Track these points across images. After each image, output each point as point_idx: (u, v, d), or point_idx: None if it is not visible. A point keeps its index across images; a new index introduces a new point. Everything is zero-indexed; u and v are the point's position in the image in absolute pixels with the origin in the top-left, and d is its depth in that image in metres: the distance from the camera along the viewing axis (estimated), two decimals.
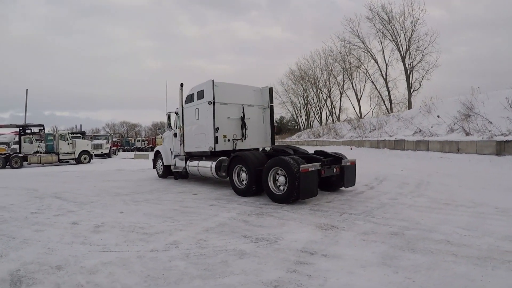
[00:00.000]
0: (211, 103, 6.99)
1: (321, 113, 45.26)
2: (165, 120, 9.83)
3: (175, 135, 9.07)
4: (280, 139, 50.46)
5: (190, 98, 7.98)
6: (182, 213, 4.77)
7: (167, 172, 9.55)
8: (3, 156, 15.99)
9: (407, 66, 28.43)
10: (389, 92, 31.16)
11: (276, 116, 67.34)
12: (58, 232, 3.80)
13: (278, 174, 5.36)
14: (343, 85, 38.02)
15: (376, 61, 31.53)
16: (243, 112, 7.64)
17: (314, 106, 46.73)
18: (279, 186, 5.35)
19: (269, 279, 2.32)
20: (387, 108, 31.38)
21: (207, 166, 7.33)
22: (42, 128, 19.94)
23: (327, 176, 5.96)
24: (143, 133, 77.80)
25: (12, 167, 15.61)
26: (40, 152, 17.67)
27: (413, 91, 28.49)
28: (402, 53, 28.45)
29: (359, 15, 34.81)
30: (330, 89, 41.21)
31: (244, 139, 7.71)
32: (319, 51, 43.51)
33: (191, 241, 3.34)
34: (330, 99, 41.83)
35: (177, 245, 3.25)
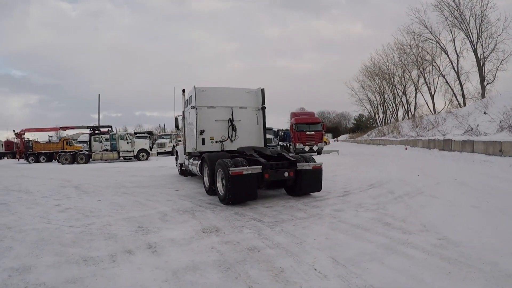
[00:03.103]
0: (194, 107, 8.56)
1: (397, 110, 49.85)
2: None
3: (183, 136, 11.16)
4: (355, 137, 57.12)
5: (186, 103, 9.81)
6: (138, 205, 6.60)
7: (183, 170, 11.76)
8: (71, 153, 22.05)
9: (479, 57, 28.95)
10: (461, 86, 32.31)
11: (355, 114, 75.30)
12: (39, 210, 6.21)
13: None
14: (418, 80, 40.82)
15: (446, 52, 33.00)
16: (232, 114, 8.87)
17: (391, 103, 51.66)
18: None
19: (86, 255, 3.62)
20: (459, 104, 32.42)
21: (195, 165, 8.97)
22: (110, 128, 26.06)
23: (282, 180, 6.63)
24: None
25: (78, 163, 21.43)
26: (106, 150, 23.32)
27: (487, 84, 28.84)
28: (472, 42, 29.24)
29: (425, 3, 37.78)
30: (405, 85, 44.64)
31: (233, 140, 8.94)
32: (391, 45, 45.52)
33: (102, 224, 5.03)
34: (405, 96, 45.50)
35: (89, 225, 4.99)
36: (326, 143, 40.36)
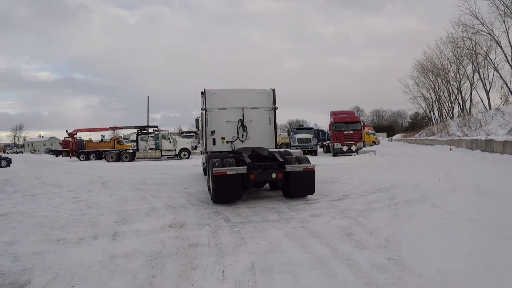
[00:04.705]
0: (203, 109, 9.54)
1: (452, 108, 51.57)
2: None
3: None
4: (408, 136, 60.73)
5: (202, 105, 10.88)
6: (139, 200, 7.88)
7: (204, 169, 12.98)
8: (117, 152, 25.15)
9: None
10: None
11: (411, 112, 76.41)
12: (56, 201, 7.83)
13: None
14: (473, 76, 41.59)
15: (499, 45, 32.81)
16: (243, 115, 9.61)
17: (446, 101, 53.75)
18: None
19: (62, 237, 4.78)
20: None
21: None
22: (156, 128, 29.00)
23: (274, 181, 7.12)
24: (279, 130, 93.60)
25: (123, 161, 24.41)
26: (151, 149, 26.13)
27: None
28: None
29: None
30: (460, 81, 45.63)
31: (243, 141, 9.66)
32: (444, 39, 45.15)
33: (95, 214, 6.28)
34: (460, 93, 46.69)
35: (85, 215, 6.27)
36: (375, 143, 40.01)
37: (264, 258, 3.86)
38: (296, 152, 20.15)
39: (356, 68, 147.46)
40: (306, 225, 5.26)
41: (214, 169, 6.65)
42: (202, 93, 10.85)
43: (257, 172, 6.84)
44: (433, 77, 52.37)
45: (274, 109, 9.66)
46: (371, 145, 36.19)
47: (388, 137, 77.23)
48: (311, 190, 7.16)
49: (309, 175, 7.06)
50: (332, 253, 4.00)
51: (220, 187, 6.68)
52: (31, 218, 6.00)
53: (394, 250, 4.09)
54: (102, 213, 6.39)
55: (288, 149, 12.13)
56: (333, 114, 21.51)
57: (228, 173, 6.63)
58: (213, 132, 9.54)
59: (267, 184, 8.69)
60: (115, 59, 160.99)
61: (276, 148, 9.81)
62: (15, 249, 4.28)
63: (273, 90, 9.65)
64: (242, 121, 9.52)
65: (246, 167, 6.79)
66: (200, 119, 12.15)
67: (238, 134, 9.57)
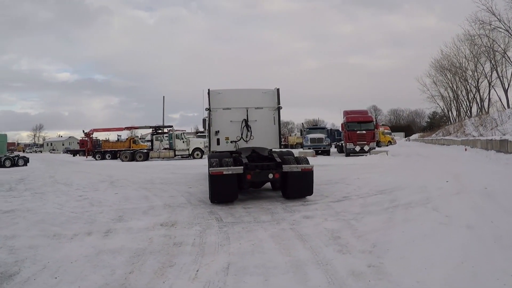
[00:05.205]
0: (207, 109, 9.80)
1: (471, 107, 51.70)
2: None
3: None
4: (425, 136, 62.13)
5: (208, 105, 11.14)
6: (141, 198, 8.21)
7: None
8: (131, 151, 25.96)
9: None
10: None
11: (429, 111, 77.72)
12: (63, 199, 8.32)
13: None
14: (491, 75, 41.43)
15: None
16: (247, 115, 9.79)
17: (464, 99, 53.93)
18: None
19: (58, 233, 5.12)
20: None
21: None
22: (171, 128, 29.71)
23: (272, 181, 7.29)
24: (295, 130, 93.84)
25: (136, 160, 25.19)
26: (166, 149, 26.83)
27: None
28: None
29: None
30: (478, 80, 45.54)
31: (247, 141, 9.84)
32: (460, 36, 45.17)
33: (96, 212, 6.63)
34: (479, 91, 46.83)
35: (85, 212, 6.64)
36: (391, 143, 40.02)
37: (242, 259, 3.96)
38: (308, 152, 20.23)
39: (373, 67, 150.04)
40: (296, 227, 5.32)
41: (210, 169, 6.85)
42: (208, 93, 11.14)
43: (254, 172, 6.96)
44: (451, 75, 52.42)
45: (279, 109, 9.77)
46: (387, 145, 35.74)
47: (405, 137, 77.84)
48: (310, 191, 7.22)
49: (307, 175, 7.12)
50: (312, 257, 4.00)
51: (216, 187, 6.86)
52: (35, 215, 6.42)
53: (378, 256, 4.02)
54: (102, 211, 6.74)
55: (290, 149, 12.23)
56: (346, 113, 21.61)
57: (224, 173, 6.79)
58: (217, 132, 9.77)
59: (269, 185, 8.81)
60: (135, 60, 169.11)
61: (280, 148, 9.94)
62: (13, 243, 4.64)
63: (278, 90, 9.76)
64: (246, 121, 9.70)
65: (242, 167, 6.93)
66: (206, 119, 12.44)
67: (242, 134, 9.75)
